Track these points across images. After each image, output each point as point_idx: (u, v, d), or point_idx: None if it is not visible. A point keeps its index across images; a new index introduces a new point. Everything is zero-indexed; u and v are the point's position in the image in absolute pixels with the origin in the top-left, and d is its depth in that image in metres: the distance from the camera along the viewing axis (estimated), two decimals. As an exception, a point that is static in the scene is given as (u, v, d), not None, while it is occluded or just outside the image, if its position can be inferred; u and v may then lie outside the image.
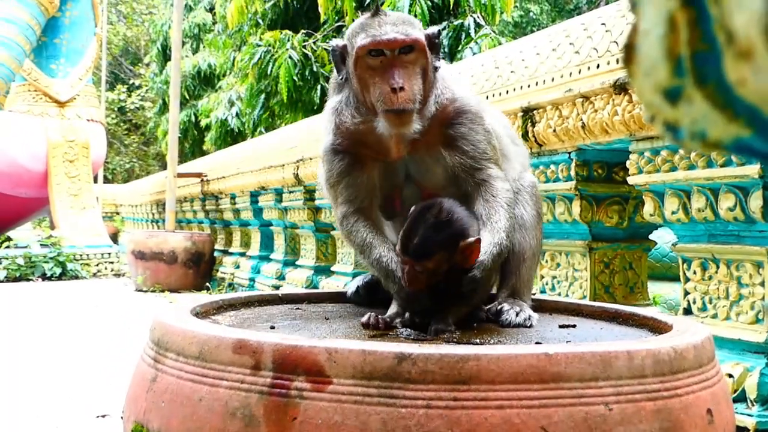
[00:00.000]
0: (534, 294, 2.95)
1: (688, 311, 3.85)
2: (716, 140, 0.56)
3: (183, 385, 1.82)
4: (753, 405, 3.40)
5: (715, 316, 3.70)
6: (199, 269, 13.01)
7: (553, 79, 4.50)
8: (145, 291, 12.81)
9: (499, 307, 2.55)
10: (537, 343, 2.12)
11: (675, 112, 0.57)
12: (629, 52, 0.59)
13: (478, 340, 2.18)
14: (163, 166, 27.78)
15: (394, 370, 1.62)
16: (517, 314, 2.48)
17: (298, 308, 2.76)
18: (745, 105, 0.51)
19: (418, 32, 2.52)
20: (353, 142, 2.59)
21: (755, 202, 3.42)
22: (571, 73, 4.35)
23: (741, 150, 0.56)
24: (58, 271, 15.08)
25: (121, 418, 2.17)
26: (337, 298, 3.03)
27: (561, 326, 2.48)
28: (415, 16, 12.27)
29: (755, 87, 0.48)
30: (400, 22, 2.51)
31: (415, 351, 1.64)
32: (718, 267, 3.70)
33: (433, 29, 2.59)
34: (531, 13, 31.89)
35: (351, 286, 3.01)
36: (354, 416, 1.60)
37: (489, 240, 2.41)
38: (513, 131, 3.08)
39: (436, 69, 2.59)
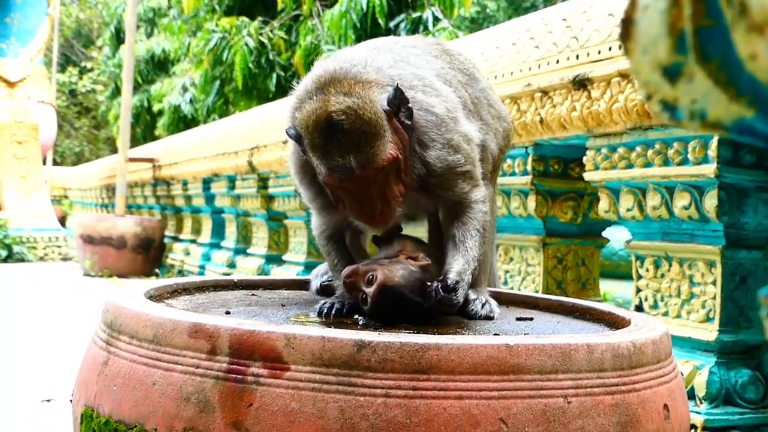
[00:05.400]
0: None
1: (639, 308, 3.87)
2: (716, 120, 0.54)
3: (136, 368, 1.78)
4: (701, 403, 3.43)
5: (666, 314, 3.73)
6: (148, 255, 12.91)
7: (512, 73, 4.49)
8: (93, 276, 12.67)
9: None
10: (495, 334, 2.11)
11: (674, 90, 0.55)
12: (627, 27, 0.57)
13: (436, 330, 2.16)
14: (114, 151, 27.48)
15: (353, 357, 1.60)
16: (482, 305, 2.46)
17: (253, 294, 2.72)
18: (751, 83, 0.49)
19: (387, 146, 2.16)
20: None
21: (710, 202, 3.45)
22: (530, 68, 4.35)
23: (742, 131, 0.54)
24: (3, 253, 14.87)
25: (70, 401, 2.12)
26: (293, 284, 2.99)
27: (518, 319, 2.47)
28: (374, 8, 12.23)
29: (768, 62, 0.46)
30: (361, 141, 2.13)
31: (375, 339, 1.62)
32: (670, 265, 3.72)
33: (390, 96, 2.19)
34: (488, 10, 32.06)
35: (315, 283, 2.81)
36: (311, 404, 1.58)
37: (462, 264, 2.34)
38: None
39: (409, 123, 2.25)
